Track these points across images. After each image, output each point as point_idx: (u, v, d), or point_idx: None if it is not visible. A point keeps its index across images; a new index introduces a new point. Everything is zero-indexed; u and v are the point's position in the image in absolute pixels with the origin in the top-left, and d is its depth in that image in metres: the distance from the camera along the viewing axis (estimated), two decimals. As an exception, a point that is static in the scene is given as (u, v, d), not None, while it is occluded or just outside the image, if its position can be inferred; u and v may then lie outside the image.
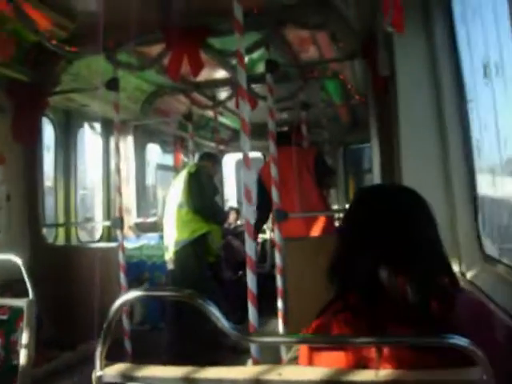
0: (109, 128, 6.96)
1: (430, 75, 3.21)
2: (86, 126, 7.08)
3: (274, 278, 4.68)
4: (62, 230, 6.38)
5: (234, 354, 5.28)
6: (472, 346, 1.39)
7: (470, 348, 1.39)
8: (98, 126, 7.18)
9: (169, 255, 5.98)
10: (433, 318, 1.52)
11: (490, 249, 2.93)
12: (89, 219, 8.02)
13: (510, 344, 1.84)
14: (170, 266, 5.98)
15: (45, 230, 5.61)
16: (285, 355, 4.07)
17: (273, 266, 5.57)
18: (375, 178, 4.49)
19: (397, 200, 1.78)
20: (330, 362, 1.57)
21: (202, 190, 5.94)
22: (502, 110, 2.37)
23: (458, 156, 3.06)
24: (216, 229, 6.16)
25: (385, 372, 1.48)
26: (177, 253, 5.87)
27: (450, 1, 3.08)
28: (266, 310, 5.13)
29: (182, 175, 6.13)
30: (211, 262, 6.23)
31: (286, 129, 6.97)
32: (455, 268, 3.07)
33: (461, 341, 1.39)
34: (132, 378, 1.62)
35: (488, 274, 2.75)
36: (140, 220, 7.65)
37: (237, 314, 5.91)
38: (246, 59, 4.70)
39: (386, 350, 1.51)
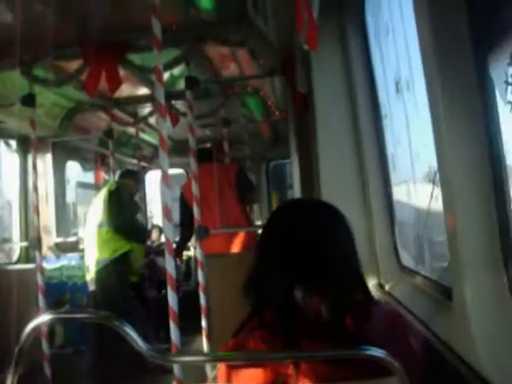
0: (26, 145, 6.75)
1: (346, 91, 3.28)
2: (2, 143, 6.83)
3: (198, 296, 4.64)
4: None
5: (160, 375, 5.18)
6: (388, 356, 1.41)
7: (385, 359, 1.41)
8: (14, 143, 6.93)
9: (90, 275, 5.84)
10: (347, 333, 1.54)
11: (407, 260, 3.01)
12: (6, 240, 7.72)
13: (426, 353, 1.89)
14: (92, 287, 5.84)
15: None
16: (210, 373, 4.03)
17: (198, 283, 5.54)
18: (296, 193, 4.55)
19: (313, 215, 1.78)
20: (249, 379, 1.56)
21: (122, 209, 5.85)
22: (414, 124, 2.45)
23: (375, 170, 3.13)
24: (138, 247, 6.06)
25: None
26: (98, 273, 5.74)
27: (364, 19, 3.17)
28: (193, 328, 5.08)
29: (102, 193, 6.01)
30: (134, 282, 6.12)
31: (208, 145, 6.97)
32: (374, 280, 3.13)
33: (377, 352, 1.41)
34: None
35: (405, 285, 2.82)
36: (60, 240, 7.43)
37: (161, 334, 5.83)
38: (167, 75, 4.68)
39: (303, 366, 1.52)
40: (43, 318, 1.57)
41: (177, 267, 6.20)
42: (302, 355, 1.51)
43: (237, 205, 5.85)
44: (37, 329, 1.52)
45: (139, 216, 6.52)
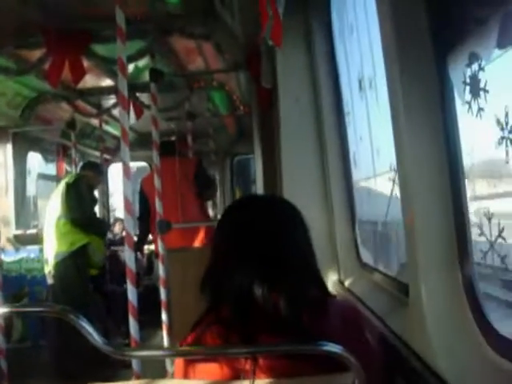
0: (-15, 135, 6.64)
1: (311, 89, 3.29)
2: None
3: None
4: None
5: (120, 370, 5.13)
6: (343, 351, 1.42)
7: (342, 354, 1.42)
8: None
9: (48, 268, 5.77)
10: (304, 328, 1.54)
11: (367, 257, 3.04)
12: (-38, 231, 7.58)
13: (382, 349, 1.91)
14: (50, 280, 5.77)
15: None
16: (170, 368, 4.02)
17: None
18: (258, 188, 4.55)
19: (268, 212, 1.77)
20: (205, 374, 1.56)
21: (80, 201, 5.78)
22: (375, 122, 2.47)
23: (336, 167, 3.15)
24: (97, 240, 6.00)
25: (259, 382, 1.49)
26: (56, 266, 5.67)
27: (329, 17, 3.18)
28: (154, 322, 5.05)
29: (61, 186, 5.95)
30: (93, 275, 6.06)
31: (172, 138, 6.92)
32: (334, 276, 3.16)
33: (333, 347, 1.42)
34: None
35: (365, 282, 2.85)
36: (19, 232, 7.31)
37: (122, 328, 5.79)
38: (131, 67, 4.64)
39: (261, 361, 1.52)
40: (-2, 311, 1.54)
41: (138, 261, 6.18)
42: (259, 350, 1.52)
43: (195, 200, 5.81)
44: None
45: (98, 209, 6.45)
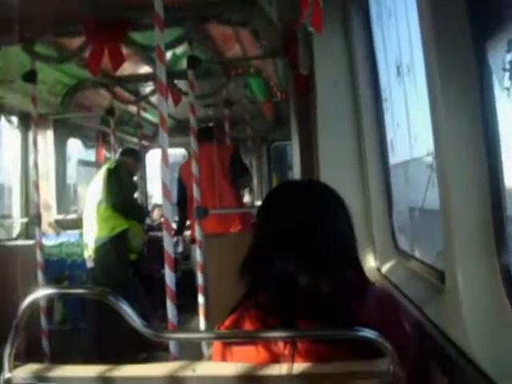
0: (27, 122, 6.75)
1: (348, 74, 3.28)
2: (3, 119, 6.83)
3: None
4: (-24, 228, 6.17)
5: (157, 352, 5.22)
6: (379, 337, 1.43)
7: (377, 340, 1.43)
8: (15, 119, 6.93)
9: (88, 253, 5.87)
10: (343, 313, 1.55)
11: (404, 244, 3.03)
12: (5, 216, 7.75)
13: (418, 336, 1.91)
14: (90, 264, 5.87)
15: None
16: (206, 351, 4.07)
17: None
18: (296, 174, 4.56)
19: (308, 197, 1.77)
20: (242, 357, 1.58)
21: (120, 187, 5.87)
22: (413, 107, 2.46)
23: (374, 153, 3.15)
24: (136, 225, 6.09)
25: (297, 366, 1.51)
26: (97, 250, 5.77)
27: (367, 2, 3.16)
28: (191, 307, 5.11)
29: (102, 171, 6.04)
30: (133, 260, 6.15)
31: (210, 125, 6.95)
32: (370, 263, 3.16)
33: (369, 333, 1.43)
34: (44, 379, 1.58)
35: (401, 268, 2.84)
36: (60, 217, 7.45)
37: (159, 312, 5.87)
38: (169, 54, 4.68)
39: (298, 345, 1.54)
40: (41, 293, 1.59)
41: (176, 246, 6.25)
42: (297, 334, 1.53)
43: (229, 186, 5.82)
44: (35, 303, 1.54)
45: (137, 195, 6.53)
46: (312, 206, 1.72)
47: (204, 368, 1.56)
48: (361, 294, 1.64)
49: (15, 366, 1.58)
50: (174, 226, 5.55)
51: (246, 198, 7.12)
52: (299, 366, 1.51)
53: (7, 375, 1.56)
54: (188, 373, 1.52)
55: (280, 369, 1.50)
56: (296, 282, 1.59)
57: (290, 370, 1.48)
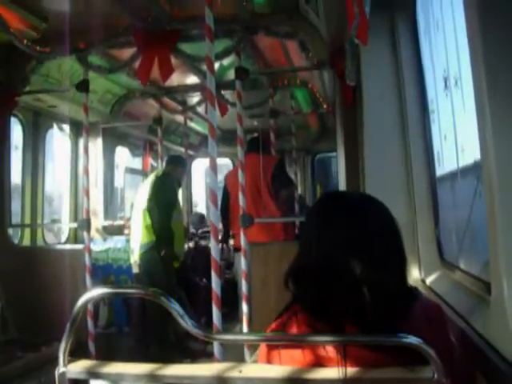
0: (78, 129, 6.94)
1: (395, 85, 3.29)
2: (55, 127, 7.02)
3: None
4: (28, 231, 6.33)
5: (200, 358, 5.28)
6: (423, 344, 1.45)
7: (421, 346, 1.45)
8: (67, 127, 7.12)
9: (134, 258, 5.98)
10: (391, 322, 1.57)
11: (449, 254, 3.01)
12: (55, 221, 7.94)
13: (464, 347, 1.91)
14: (135, 270, 5.98)
15: (10, 231, 5.56)
16: (248, 358, 4.11)
17: (239, 271, 5.59)
18: (341, 185, 4.56)
19: (359, 212, 1.76)
20: (288, 360, 1.61)
21: (166, 195, 5.96)
22: (460, 120, 2.46)
23: (420, 164, 3.14)
24: (179, 233, 6.17)
25: (342, 371, 1.53)
26: (142, 256, 5.87)
27: (414, 14, 3.17)
28: (233, 316, 5.16)
29: (149, 179, 6.16)
30: (176, 268, 6.23)
31: (255, 135, 7.01)
32: (415, 274, 3.15)
33: (413, 340, 1.45)
34: (97, 375, 1.63)
35: (446, 280, 2.83)
36: (107, 223, 7.61)
37: (202, 321, 5.94)
38: (217, 65, 4.76)
39: (343, 350, 1.56)
40: (95, 292, 1.65)
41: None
42: (343, 339, 1.56)
43: (271, 197, 5.84)
44: (90, 301, 1.61)
45: (181, 203, 6.61)
46: (361, 223, 1.72)
47: (250, 370, 1.59)
48: (409, 304, 1.66)
49: (69, 362, 1.64)
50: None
51: (296, 209, 7.10)
52: (351, 371, 1.53)
53: (62, 369, 1.63)
54: (235, 374, 1.56)
55: (327, 373, 1.52)
56: (344, 290, 1.62)
57: (343, 375, 1.50)
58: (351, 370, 1.53)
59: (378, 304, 1.59)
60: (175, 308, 1.56)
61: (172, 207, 6.12)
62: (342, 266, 1.65)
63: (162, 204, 5.93)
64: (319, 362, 1.58)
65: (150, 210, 5.91)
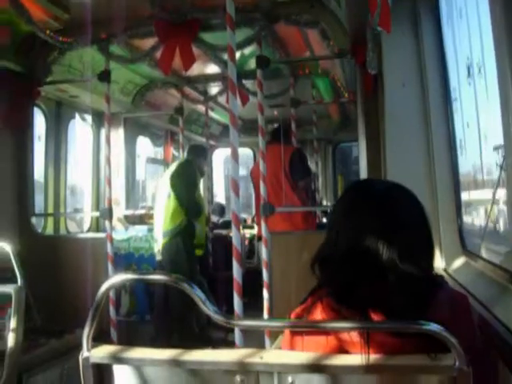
0: (100, 120, 6.99)
1: (417, 74, 3.27)
2: (77, 117, 7.08)
3: (261, 273, 4.71)
4: (51, 220, 6.40)
5: (221, 346, 5.32)
6: (445, 332, 1.45)
7: (443, 334, 1.45)
8: (89, 117, 7.17)
9: (157, 247, 6.02)
10: (415, 309, 1.58)
11: (472, 244, 3.00)
12: (78, 210, 8.02)
13: (486, 334, 1.91)
14: (159, 257, 6.02)
15: (34, 220, 5.62)
16: (269, 346, 4.12)
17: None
18: (362, 176, 4.55)
19: (387, 200, 1.76)
20: (312, 346, 1.62)
21: (187, 184, 6.00)
22: (483, 108, 2.44)
23: (442, 153, 3.13)
24: (201, 220, 6.21)
25: (364, 357, 1.54)
26: (165, 244, 5.91)
27: (437, 1, 3.15)
28: (254, 306, 5.17)
29: (172, 167, 6.21)
30: (199, 256, 6.26)
31: (275, 125, 7.00)
32: (438, 263, 3.14)
33: (434, 327, 1.45)
34: (120, 360, 1.66)
35: (468, 269, 2.82)
36: (129, 212, 7.67)
37: (223, 309, 5.97)
38: (238, 55, 4.75)
39: (367, 335, 1.57)
40: (118, 278, 1.67)
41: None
42: (364, 326, 1.56)
43: (291, 187, 5.84)
44: (112, 287, 1.63)
45: (203, 193, 6.63)
46: (391, 211, 1.72)
47: (271, 355, 1.60)
48: (435, 293, 1.66)
49: (93, 347, 1.66)
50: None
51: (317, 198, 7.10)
52: (374, 358, 1.54)
53: (86, 354, 1.65)
54: (255, 359, 1.57)
55: (349, 359, 1.53)
56: (372, 277, 1.62)
57: (366, 361, 1.50)
58: (373, 357, 1.54)
59: (404, 292, 1.60)
60: (197, 294, 1.58)
61: (196, 190, 6.15)
62: (369, 252, 1.65)
63: (186, 186, 5.97)
64: (342, 348, 1.59)
65: (176, 191, 5.93)
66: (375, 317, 1.59)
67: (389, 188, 1.86)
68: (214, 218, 8.62)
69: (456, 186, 3.10)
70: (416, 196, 1.78)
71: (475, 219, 3.18)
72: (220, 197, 12.28)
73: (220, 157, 12.00)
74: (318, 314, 1.66)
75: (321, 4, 4.59)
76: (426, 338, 1.46)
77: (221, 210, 9.24)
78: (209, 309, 1.57)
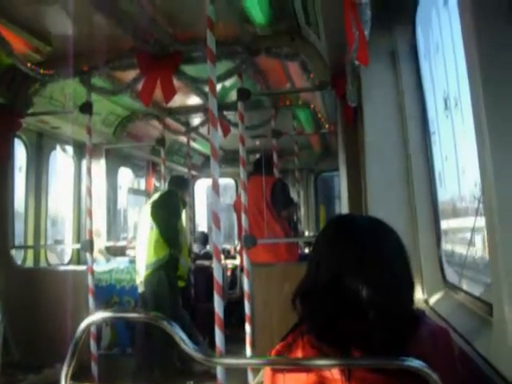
0: (81, 151, 6.98)
1: (396, 107, 3.31)
2: (59, 148, 7.06)
3: (243, 305, 4.68)
4: (30, 252, 6.33)
5: (203, 381, 5.25)
6: (426, 368, 1.45)
7: (424, 370, 1.45)
8: (70, 148, 7.15)
9: (139, 278, 5.96)
10: (396, 345, 1.57)
11: (452, 276, 3.01)
12: (58, 241, 7.95)
13: (466, 367, 1.91)
14: (141, 289, 5.96)
15: (13, 252, 5.56)
16: (252, 379, 4.08)
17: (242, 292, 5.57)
18: (343, 205, 4.57)
19: (375, 234, 1.75)
20: (294, 383, 1.61)
21: (170, 215, 5.96)
22: (460, 140, 2.47)
23: (422, 185, 3.15)
24: (185, 251, 6.17)
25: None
26: (148, 276, 5.85)
27: (414, 36, 3.20)
28: (236, 338, 5.14)
29: (154, 197, 6.19)
30: (181, 287, 6.21)
31: (257, 156, 7.02)
32: (418, 295, 3.14)
33: (416, 363, 1.45)
34: (98, 399, 1.63)
35: (449, 301, 2.82)
36: (110, 244, 7.61)
37: (206, 341, 5.91)
38: (219, 87, 4.79)
39: (353, 373, 1.56)
40: (97, 316, 1.66)
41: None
42: (344, 362, 1.55)
43: (273, 218, 5.83)
44: (92, 325, 1.61)
45: (185, 223, 6.59)
46: (375, 244, 1.73)
47: (252, 394, 1.59)
48: (416, 329, 1.65)
49: (72, 385, 1.64)
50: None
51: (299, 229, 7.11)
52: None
53: (64, 394, 1.62)
54: (237, 398, 1.56)
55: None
56: (351, 311, 1.62)
57: None
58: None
59: (383, 328, 1.59)
60: (177, 332, 1.56)
61: (177, 220, 6.10)
62: (349, 288, 1.65)
63: (167, 217, 5.92)
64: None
65: (157, 221, 5.88)
66: (356, 353, 1.58)
67: (371, 223, 1.86)
68: (197, 248, 8.57)
69: (436, 218, 3.12)
70: (396, 233, 1.77)
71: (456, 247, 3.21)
72: (203, 226, 12.24)
73: (202, 187, 12.01)
74: (299, 351, 1.65)
75: (301, 37, 4.66)
76: (409, 374, 1.46)
77: (204, 239, 9.15)
78: (189, 347, 1.56)
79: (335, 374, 1.56)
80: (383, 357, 1.53)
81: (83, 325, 1.60)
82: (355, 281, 1.65)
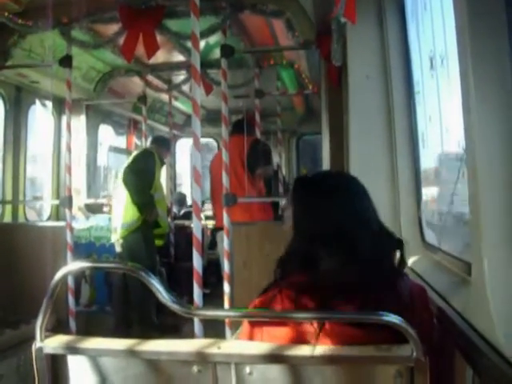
0: (61, 106, 6.84)
1: (381, 66, 3.28)
2: (38, 103, 6.93)
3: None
4: (8, 209, 6.26)
5: (181, 336, 5.28)
6: (403, 323, 1.45)
7: (401, 325, 1.46)
8: (49, 103, 7.02)
9: (116, 237, 5.94)
10: (374, 298, 1.59)
11: (431, 236, 3.03)
12: (37, 198, 7.87)
13: (443, 325, 1.93)
14: (118, 248, 5.95)
15: (-10, 207, 5.50)
16: (229, 336, 4.11)
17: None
18: (325, 167, 4.56)
19: (338, 188, 1.83)
20: (271, 337, 1.61)
21: (142, 175, 5.90)
22: (445, 101, 2.45)
23: (404, 146, 3.15)
24: (162, 205, 6.14)
25: (321, 348, 1.54)
26: (124, 235, 5.83)
27: (402, -7, 3.16)
28: (215, 296, 5.15)
29: (131, 157, 6.13)
30: (159, 246, 6.21)
31: (239, 116, 6.96)
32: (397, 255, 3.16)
33: (393, 318, 1.46)
34: (75, 350, 1.62)
35: (428, 261, 2.84)
36: (90, 201, 7.56)
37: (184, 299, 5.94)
38: (202, 44, 4.71)
39: (327, 327, 1.57)
40: (74, 265, 1.64)
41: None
42: (321, 316, 1.56)
43: (247, 178, 5.78)
44: (67, 275, 1.59)
45: (165, 182, 6.54)
46: (344, 197, 1.77)
47: (229, 346, 1.59)
48: (393, 284, 1.67)
49: (47, 337, 1.62)
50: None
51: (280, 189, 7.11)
52: (323, 348, 1.54)
53: (39, 344, 1.61)
54: (213, 350, 1.55)
55: (304, 350, 1.53)
56: (329, 266, 1.63)
57: (320, 352, 1.51)
58: (330, 348, 1.54)
59: (363, 282, 1.61)
60: (154, 283, 1.55)
61: (150, 182, 6.03)
62: (329, 241, 1.67)
63: (139, 182, 5.86)
64: (303, 338, 1.59)
65: (128, 188, 5.83)
66: (338, 306, 1.59)
67: (339, 179, 1.94)
68: (175, 209, 8.55)
69: (417, 179, 3.12)
70: (351, 177, 1.91)
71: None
72: (185, 187, 12.20)
73: (186, 147, 11.92)
74: (278, 305, 1.65)
75: (286, -6, 4.58)
76: (387, 329, 1.47)
77: (182, 200, 9.10)
78: (166, 298, 1.55)
79: (315, 327, 1.58)
80: (362, 311, 1.55)
81: (60, 274, 1.58)
82: (334, 242, 1.71)
